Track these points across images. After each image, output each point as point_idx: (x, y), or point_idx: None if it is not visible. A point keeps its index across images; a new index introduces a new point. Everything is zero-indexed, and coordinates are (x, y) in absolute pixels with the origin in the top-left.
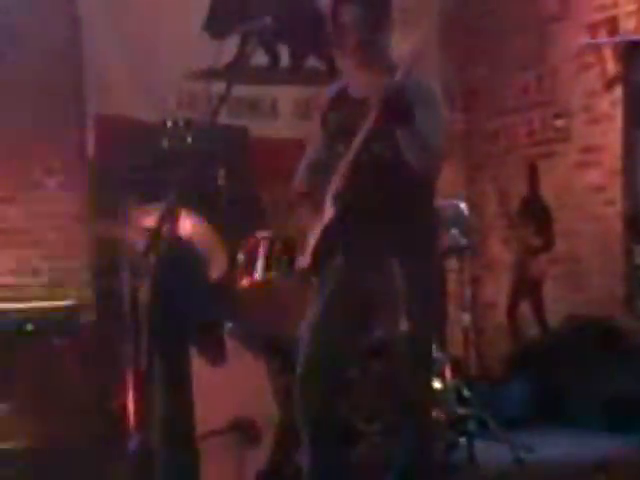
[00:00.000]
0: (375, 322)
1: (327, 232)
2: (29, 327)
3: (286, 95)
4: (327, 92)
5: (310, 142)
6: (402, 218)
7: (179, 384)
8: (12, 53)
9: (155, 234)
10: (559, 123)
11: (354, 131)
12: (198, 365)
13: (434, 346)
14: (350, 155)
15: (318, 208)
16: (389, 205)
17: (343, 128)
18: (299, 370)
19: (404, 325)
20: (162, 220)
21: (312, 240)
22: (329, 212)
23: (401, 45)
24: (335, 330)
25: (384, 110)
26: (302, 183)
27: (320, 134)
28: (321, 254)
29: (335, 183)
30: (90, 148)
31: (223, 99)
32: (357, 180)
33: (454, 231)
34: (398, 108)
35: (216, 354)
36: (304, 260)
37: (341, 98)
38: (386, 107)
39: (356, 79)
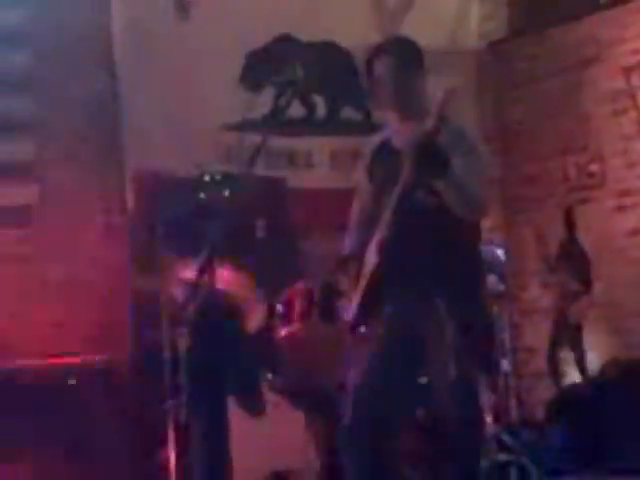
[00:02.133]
0: (423, 368)
1: (373, 279)
2: (71, 381)
3: (322, 146)
4: (370, 144)
5: (356, 197)
6: (448, 262)
7: (219, 437)
8: (53, 110)
9: (194, 286)
10: (594, 168)
11: (398, 182)
12: (238, 417)
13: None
14: (392, 204)
15: (359, 268)
16: (434, 250)
17: (387, 179)
18: (347, 418)
19: (452, 370)
20: (201, 272)
21: (357, 289)
22: (374, 260)
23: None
24: (386, 378)
25: (416, 161)
26: (346, 245)
27: (367, 187)
28: (368, 303)
29: (380, 231)
30: (129, 202)
31: (259, 150)
32: (401, 227)
33: (492, 276)
34: (431, 157)
35: (255, 405)
36: (351, 310)
37: (384, 149)
38: (418, 158)
39: (397, 129)
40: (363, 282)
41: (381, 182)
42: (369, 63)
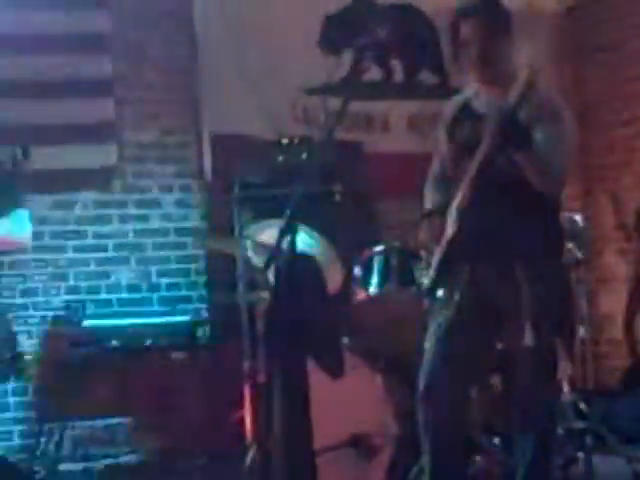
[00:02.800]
0: (499, 335)
1: (451, 245)
2: (147, 342)
3: (399, 110)
4: (450, 105)
5: (436, 155)
6: (527, 230)
7: (297, 398)
8: (135, 69)
9: (275, 250)
10: None
11: (478, 146)
12: (316, 379)
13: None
14: (472, 171)
15: (442, 225)
16: (514, 218)
17: (469, 142)
18: (422, 385)
19: (529, 338)
20: (281, 236)
21: (435, 255)
22: (453, 226)
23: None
24: (461, 344)
25: (499, 134)
26: (427, 200)
27: (446, 147)
28: (445, 268)
29: (459, 197)
30: (207, 165)
31: (340, 115)
32: (481, 195)
33: (570, 244)
34: (513, 132)
35: (335, 367)
36: (429, 274)
37: (465, 112)
38: (501, 131)
39: (479, 94)
40: (441, 248)
41: (462, 143)
42: (454, 24)
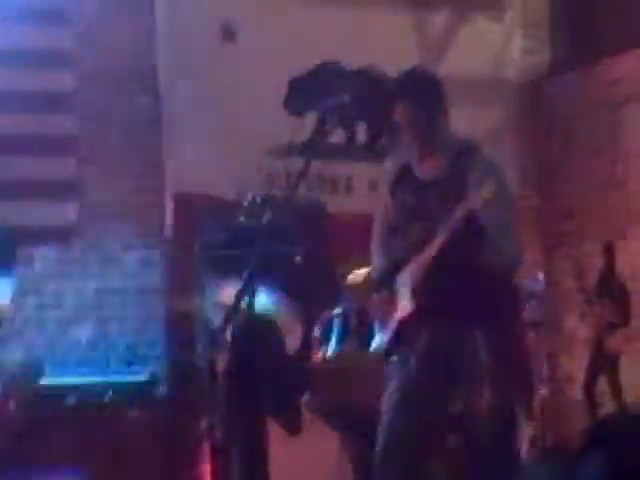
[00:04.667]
0: (458, 397)
1: (408, 319)
2: (106, 400)
3: (362, 172)
4: (390, 165)
5: (380, 217)
6: (485, 294)
7: (256, 456)
8: (99, 129)
9: (233, 309)
10: (634, 204)
11: (425, 211)
12: (274, 437)
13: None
14: (428, 257)
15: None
16: (471, 282)
17: (411, 207)
18: (380, 446)
19: (488, 400)
20: (240, 295)
21: (390, 327)
22: (407, 305)
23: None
24: (419, 406)
25: (456, 233)
26: (375, 264)
27: (391, 205)
28: (404, 331)
29: (412, 276)
30: (168, 225)
31: (302, 175)
32: (436, 277)
33: (531, 307)
34: (468, 230)
35: (293, 425)
36: (384, 340)
37: (406, 175)
38: (457, 233)
39: (419, 162)
40: (398, 314)
41: (405, 208)
42: (390, 104)
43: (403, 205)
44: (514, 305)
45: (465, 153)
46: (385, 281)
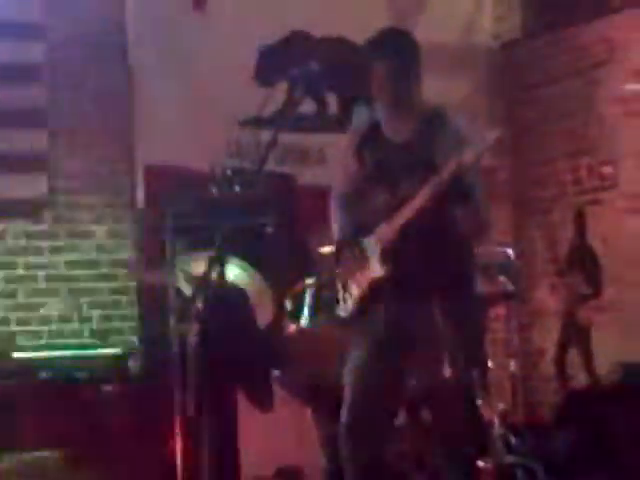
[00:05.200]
0: (420, 369)
1: (374, 285)
2: (78, 375)
3: (334, 142)
4: (357, 126)
5: (343, 174)
6: (442, 262)
7: (226, 431)
8: (69, 100)
9: (203, 280)
10: (606, 170)
11: (392, 173)
12: (245, 412)
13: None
14: (402, 218)
15: (361, 255)
16: (429, 252)
17: (380, 167)
18: (344, 418)
19: (447, 372)
20: (210, 267)
21: (356, 288)
22: (376, 267)
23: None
24: (379, 377)
25: (442, 191)
26: (337, 223)
27: (355, 168)
28: (366, 303)
29: (382, 238)
30: (139, 196)
31: (270, 146)
32: (406, 241)
33: (502, 278)
34: (456, 190)
35: (263, 400)
36: (348, 307)
37: (375, 136)
38: (445, 189)
39: (390, 122)
40: (364, 284)
41: (372, 168)
42: (369, 61)
43: (369, 165)
44: (471, 273)
45: (435, 119)
46: (351, 242)
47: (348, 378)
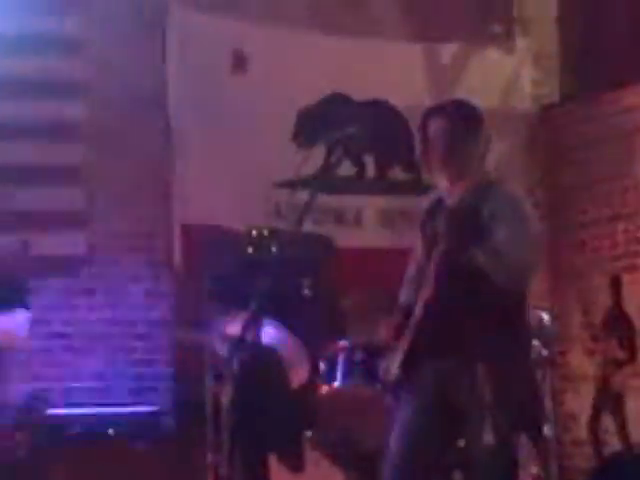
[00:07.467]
0: (461, 433)
1: (415, 340)
2: (110, 432)
3: (371, 205)
4: (425, 203)
5: (413, 254)
6: (492, 326)
7: None
8: (109, 159)
9: (239, 342)
10: None
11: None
12: (276, 472)
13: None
14: (432, 264)
15: (401, 323)
16: (479, 313)
17: (436, 235)
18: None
19: (489, 437)
20: (246, 328)
21: (399, 351)
22: (418, 314)
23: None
24: (422, 443)
25: (451, 227)
26: (401, 296)
27: (420, 243)
28: (410, 364)
29: (423, 293)
30: (176, 256)
31: (308, 208)
32: (446, 290)
33: (536, 342)
34: (469, 228)
35: (295, 462)
36: (393, 371)
37: (437, 208)
38: (455, 228)
39: (449, 190)
40: (406, 341)
41: (431, 239)
42: (423, 123)
43: (429, 236)
44: (524, 340)
45: (486, 184)
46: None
47: (391, 441)
